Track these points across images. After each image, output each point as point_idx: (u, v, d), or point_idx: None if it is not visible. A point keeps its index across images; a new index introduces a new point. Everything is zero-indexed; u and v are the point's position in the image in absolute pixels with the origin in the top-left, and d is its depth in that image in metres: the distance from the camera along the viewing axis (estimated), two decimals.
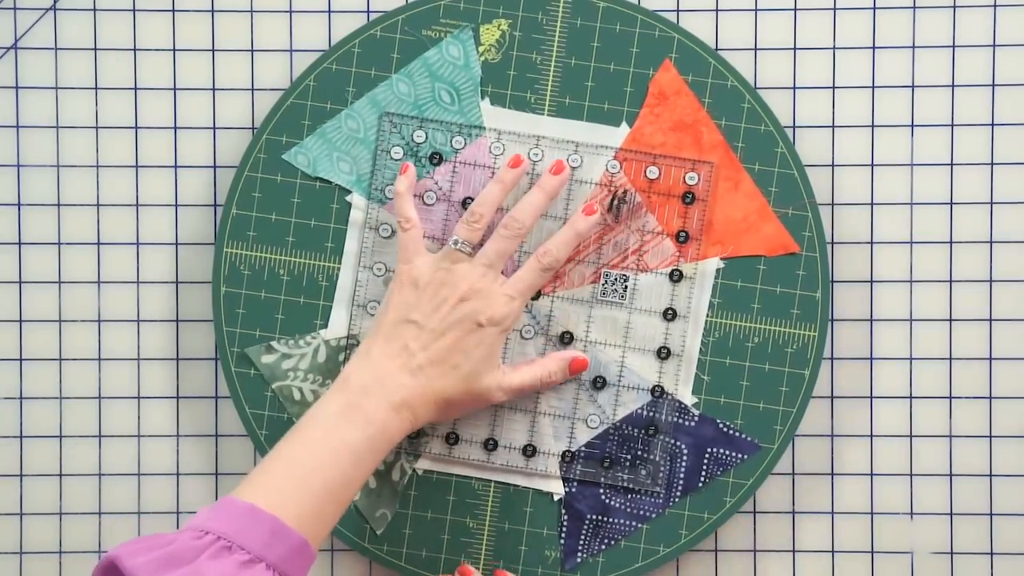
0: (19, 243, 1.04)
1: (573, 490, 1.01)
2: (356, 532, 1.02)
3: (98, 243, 1.04)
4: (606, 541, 1.01)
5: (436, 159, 1.01)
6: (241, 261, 1.02)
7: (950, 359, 1.03)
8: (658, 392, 1.01)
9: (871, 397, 1.03)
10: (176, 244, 1.04)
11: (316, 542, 0.87)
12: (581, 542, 1.01)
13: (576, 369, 0.99)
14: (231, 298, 1.02)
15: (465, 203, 1.00)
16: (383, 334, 0.94)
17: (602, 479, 1.01)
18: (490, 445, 1.02)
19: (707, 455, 1.01)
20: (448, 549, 1.02)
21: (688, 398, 1.01)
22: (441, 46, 1.02)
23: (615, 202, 1.01)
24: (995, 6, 1.03)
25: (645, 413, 1.01)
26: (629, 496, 1.01)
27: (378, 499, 1.02)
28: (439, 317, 0.94)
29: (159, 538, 0.83)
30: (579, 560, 1.01)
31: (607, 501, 1.01)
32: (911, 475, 1.04)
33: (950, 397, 1.03)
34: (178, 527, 1.04)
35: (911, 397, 1.03)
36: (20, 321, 1.04)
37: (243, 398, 1.02)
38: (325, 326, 1.02)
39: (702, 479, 1.01)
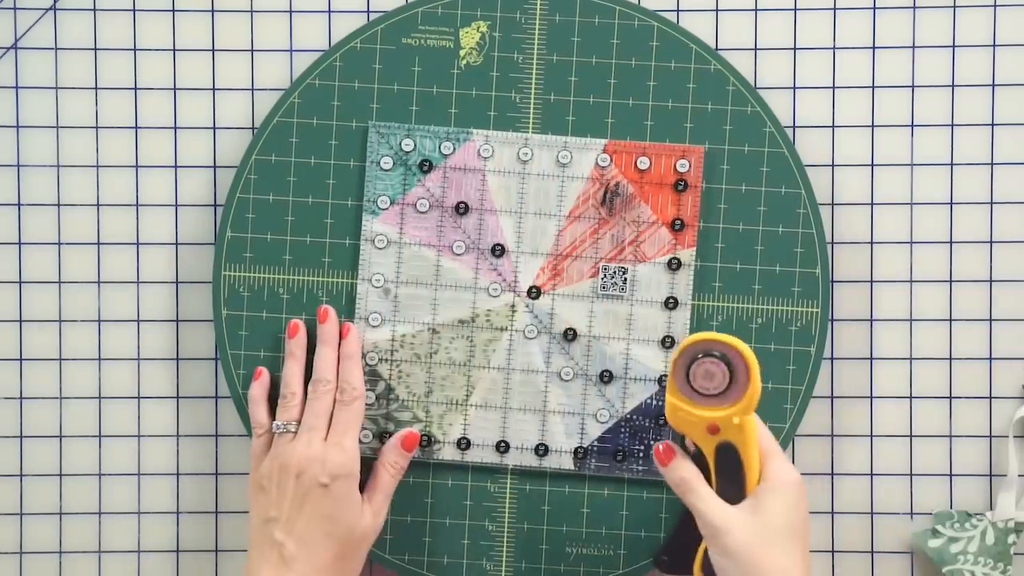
0: (19, 243, 1.04)
1: None
2: (376, 543, 1.01)
3: (98, 243, 1.04)
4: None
5: (426, 166, 1.01)
6: (240, 283, 1.02)
7: (950, 359, 1.03)
8: (665, 381, 1.01)
9: (871, 397, 1.03)
10: (176, 244, 1.04)
11: None
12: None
13: (409, 444, 0.99)
14: (233, 321, 1.02)
15: (458, 208, 1.00)
16: (253, 543, 0.95)
17: (616, 472, 1.01)
18: (502, 447, 1.01)
19: None
20: (469, 554, 1.02)
21: None
22: None
23: (608, 195, 1.01)
24: (995, 6, 1.03)
25: (654, 403, 1.01)
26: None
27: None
28: (288, 501, 0.95)
29: None
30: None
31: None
32: (911, 475, 1.04)
33: (950, 397, 1.04)
34: (178, 527, 1.04)
35: (911, 397, 1.03)
36: (20, 321, 1.04)
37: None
38: None
39: None
